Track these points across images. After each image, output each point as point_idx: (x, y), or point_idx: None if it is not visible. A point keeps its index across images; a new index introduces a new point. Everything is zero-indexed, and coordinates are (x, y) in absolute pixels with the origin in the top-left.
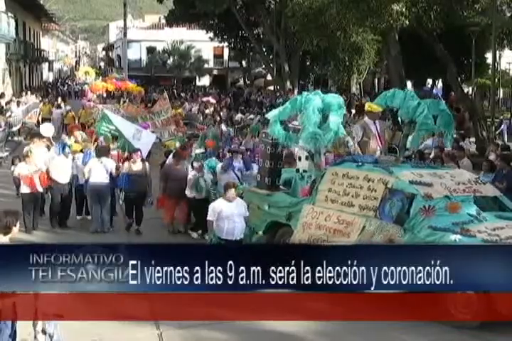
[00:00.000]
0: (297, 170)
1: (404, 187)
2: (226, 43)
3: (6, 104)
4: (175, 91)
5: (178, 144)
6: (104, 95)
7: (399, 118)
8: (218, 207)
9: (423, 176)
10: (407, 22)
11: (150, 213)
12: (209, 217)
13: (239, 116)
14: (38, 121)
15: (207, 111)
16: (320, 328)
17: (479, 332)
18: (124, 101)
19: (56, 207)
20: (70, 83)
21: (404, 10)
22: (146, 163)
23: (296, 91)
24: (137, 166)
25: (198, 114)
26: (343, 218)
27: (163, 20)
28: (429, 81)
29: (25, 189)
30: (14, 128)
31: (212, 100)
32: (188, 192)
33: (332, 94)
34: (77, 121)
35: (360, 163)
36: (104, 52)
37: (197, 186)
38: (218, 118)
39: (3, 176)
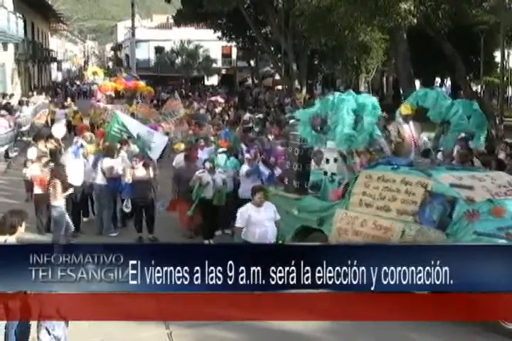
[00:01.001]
0: (325, 173)
1: (444, 191)
2: (234, 43)
3: (15, 104)
4: (183, 90)
5: (183, 146)
6: (113, 95)
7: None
8: (247, 212)
9: (463, 179)
10: (415, 21)
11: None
12: (238, 224)
13: (247, 115)
14: (46, 122)
15: (215, 110)
16: (329, 327)
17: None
18: (138, 102)
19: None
20: (78, 83)
21: (412, 8)
22: (150, 168)
23: (304, 91)
24: (140, 172)
25: (206, 114)
26: (380, 223)
27: (171, 20)
28: (438, 79)
29: (37, 190)
30: (23, 129)
31: (221, 99)
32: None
33: (365, 95)
34: (85, 122)
35: (395, 166)
36: (112, 52)
37: (198, 182)
38: (227, 118)
39: (13, 176)
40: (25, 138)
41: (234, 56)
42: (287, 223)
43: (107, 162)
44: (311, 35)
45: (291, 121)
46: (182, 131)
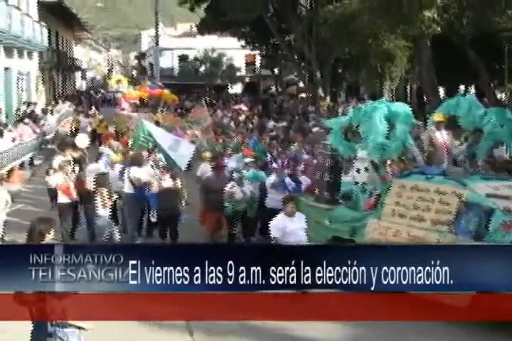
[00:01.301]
0: (356, 183)
1: (480, 201)
2: (258, 51)
3: (40, 112)
4: (207, 99)
5: (208, 154)
6: (138, 103)
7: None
8: (281, 223)
9: (499, 189)
10: (439, 28)
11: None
12: (275, 234)
13: (271, 123)
14: (71, 130)
15: (239, 118)
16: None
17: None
18: (162, 111)
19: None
20: (102, 91)
21: (436, 16)
22: (177, 179)
23: (328, 99)
24: (167, 183)
25: (230, 122)
26: (414, 234)
27: (194, 29)
28: (462, 87)
29: (62, 199)
30: (48, 137)
31: (244, 108)
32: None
33: (398, 103)
34: (110, 130)
35: (429, 175)
36: (136, 61)
37: (232, 200)
38: (250, 126)
39: (37, 184)
40: (49, 146)
41: (257, 64)
42: (318, 233)
43: (134, 171)
44: (334, 43)
45: (315, 129)
46: (208, 139)
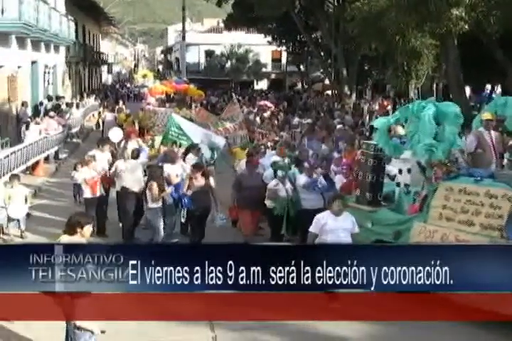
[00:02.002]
0: (398, 184)
1: None
2: (284, 47)
3: (65, 106)
4: (233, 94)
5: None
6: (164, 98)
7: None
8: (323, 219)
9: None
10: (467, 26)
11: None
12: (312, 229)
13: (296, 120)
14: (97, 124)
15: (264, 115)
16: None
17: None
18: (196, 106)
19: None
20: (128, 86)
21: (463, 14)
22: (211, 178)
23: (353, 96)
24: (199, 182)
25: (255, 119)
26: (462, 238)
27: (221, 24)
28: (488, 86)
29: (87, 193)
30: (73, 130)
31: (270, 104)
32: (268, 203)
33: (447, 103)
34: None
35: (478, 178)
36: (162, 56)
37: (278, 198)
38: (275, 122)
39: (63, 177)
40: (74, 140)
41: (284, 61)
42: (359, 236)
43: (167, 168)
44: (361, 41)
45: (339, 126)
46: (241, 135)
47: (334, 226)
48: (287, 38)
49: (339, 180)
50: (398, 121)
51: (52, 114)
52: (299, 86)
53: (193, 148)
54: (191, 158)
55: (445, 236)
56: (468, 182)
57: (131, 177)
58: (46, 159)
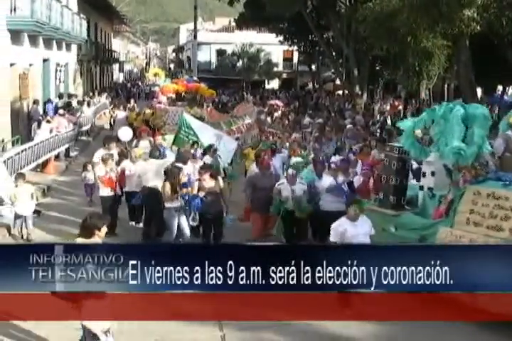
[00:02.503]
0: (421, 188)
1: None
2: (296, 47)
3: (77, 104)
4: (244, 94)
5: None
6: (175, 97)
7: None
8: (341, 226)
9: None
10: (478, 27)
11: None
12: (332, 238)
13: (307, 120)
14: (110, 123)
15: (275, 114)
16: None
17: None
18: (208, 106)
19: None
20: (139, 84)
21: (475, 15)
22: (219, 179)
23: (364, 96)
24: (208, 184)
25: (266, 118)
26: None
27: (233, 23)
28: (500, 87)
29: (103, 191)
30: (84, 128)
31: (280, 103)
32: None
33: (475, 105)
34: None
35: (507, 182)
36: (174, 54)
37: (278, 197)
38: (286, 122)
39: (73, 175)
40: (85, 138)
41: (295, 60)
42: (382, 240)
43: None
44: (373, 41)
45: (349, 126)
46: (252, 135)
47: (355, 233)
48: (299, 38)
49: (358, 181)
50: (425, 123)
51: (61, 111)
52: (310, 86)
53: (209, 149)
54: (208, 159)
55: (473, 241)
56: (497, 187)
57: (157, 177)
58: (57, 157)
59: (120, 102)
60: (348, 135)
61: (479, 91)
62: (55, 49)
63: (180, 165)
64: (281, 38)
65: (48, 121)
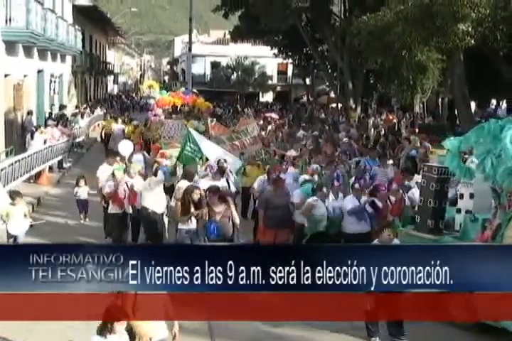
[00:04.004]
0: (458, 210)
1: None
2: (290, 60)
3: (71, 116)
4: (238, 106)
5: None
6: (171, 110)
7: None
8: None
9: None
10: (473, 41)
11: None
12: None
13: (301, 132)
14: (101, 136)
15: (269, 127)
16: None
17: None
18: (212, 120)
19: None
20: (134, 96)
21: (470, 29)
22: (230, 200)
23: (359, 109)
24: (218, 208)
25: (260, 130)
26: None
27: (228, 36)
28: (494, 101)
29: (111, 209)
30: (78, 140)
31: (275, 116)
32: (299, 219)
33: None
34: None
35: None
36: (168, 66)
37: (313, 215)
38: (280, 135)
39: (66, 187)
40: (78, 150)
41: (289, 73)
42: None
43: (183, 184)
44: (367, 54)
45: (345, 139)
46: (256, 150)
47: None
48: (293, 51)
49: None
50: (472, 141)
51: (50, 122)
52: (305, 99)
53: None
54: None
55: None
56: None
57: (151, 195)
58: (50, 168)
59: (115, 114)
60: (344, 148)
61: (473, 105)
62: (49, 60)
63: (184, 181)
64: (275, 50)
65: (42, 132)
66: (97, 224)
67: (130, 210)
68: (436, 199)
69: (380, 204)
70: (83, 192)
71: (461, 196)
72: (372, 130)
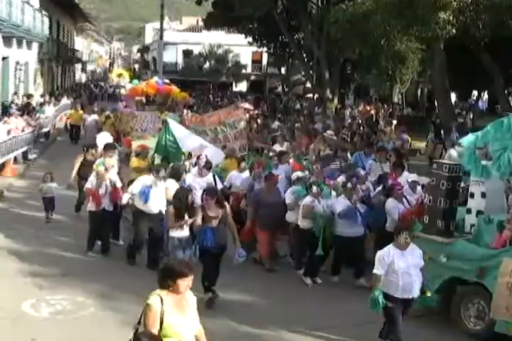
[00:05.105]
0: (468, 210)
1: None
2: (265, 48)
3: (37, 105)
4: (211, 96)
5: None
6: (144, 101)
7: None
8: (389, 256)
9: None
10: (454, 31)
11: None
12: (377, 270)
13: (276, 124)
14: (66, 127)
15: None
16: None
17: None
18: (188, 113)
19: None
20: (103, 85)
21: (451, 18)
22: (226, 205)
23: (335, 100)
24: (213, 212)
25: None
26: None
27: (201, 23)
28: (475, 92)
29: (91, 206)
30: (44, 130)
31: (250, 107)
32: (301, 222)
33: None
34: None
35: None
36: (139, 54)
37: (316, 215)
38: (255, 126)
39: (31, 179)
40: (44, 140)
41: (264, 62)
42: (430, 272)
43: (170, 185)
44: (345, 44)
45: (329, 131)
46: (240, 145)
47: (404, 264)
48: (268, 39)
49: (394, 206)
50: (488, 138)
51: (15, 112)
52: (280, 89)
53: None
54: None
55: None
56: None
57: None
58: (15, 160)
59: (84, 104)
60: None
61: (453, 96)
62: (14, 47)
63: (171, 181)
64: (250, 39)
65: (6, 122)
66: (62, 217)
67: (110, 208)
68: (447, 199)
69: (396, 204)
70: (49, 189)
71: (472, 195)
72: (350, 121)
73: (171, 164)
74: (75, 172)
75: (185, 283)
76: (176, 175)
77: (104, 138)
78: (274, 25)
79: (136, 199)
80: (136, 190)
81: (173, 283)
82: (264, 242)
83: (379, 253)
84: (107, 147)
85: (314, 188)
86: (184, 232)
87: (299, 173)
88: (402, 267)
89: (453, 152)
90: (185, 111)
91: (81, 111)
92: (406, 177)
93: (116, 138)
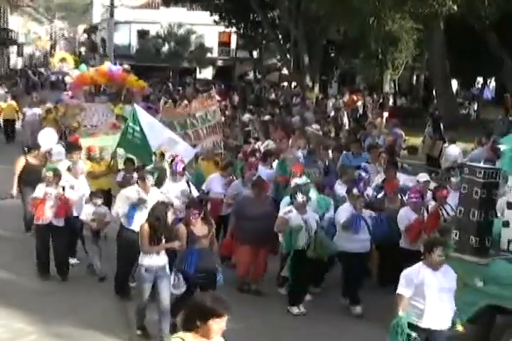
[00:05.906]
0: (505, 224)
1: None
2: (234, 29)
3: None
4: (170, 85)
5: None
6: (93, 90)
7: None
8: (418, 275)
9: None
10: (456, 7)
11: None
12: (402, 291)
13: (247, 116)
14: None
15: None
16: None
17: None
18: (166, 102)
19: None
20: (43, 71)
21: None
22: (211, 221)
23: (316, 89)
24: (199, 231)
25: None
26: None
27: None
28: (480, 79)
29: (36, 219)
30: None
31: (217, 97)
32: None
33: None
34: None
35: None
36: (85, 35)
37: (291, 231)
38: (223, 119)
39: None
40: None
41: (233, 45)
42: (462, 298)
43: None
44: (327, 22)
45: (314, 126)
46: (214, 142)
47: (436, 287)
48: (238, 18)
49: (405, 215)
50: None
51: None
52: (251, 75)
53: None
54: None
55: None
56: None
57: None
58: None
59: (20, 93)
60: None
61: (455, 83)
62: None
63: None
64: (216, 17)
65: None
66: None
67: (60, 223)
68: (481, 210)
69: (411, 216)
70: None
71: (509, 205)
72: (333, 113)
73: (137, 165)
74: (16, 179)
75: (218, 326)
76: (160, 183)
77: (47, 135)
78: (245, 2)
79: (124, 221)
80: (122, 212)
81: (203, 324)
82: (243, 260)
83: (406, 271)
84: (71, 148)
85: (299, 197)
86: (159, 259)
87: (298, 180)
88: (433, 289)
89: (452, 149)
90: (163, 99)
91: (14, 103)
92: (403, 179)
93: (60, 135)
